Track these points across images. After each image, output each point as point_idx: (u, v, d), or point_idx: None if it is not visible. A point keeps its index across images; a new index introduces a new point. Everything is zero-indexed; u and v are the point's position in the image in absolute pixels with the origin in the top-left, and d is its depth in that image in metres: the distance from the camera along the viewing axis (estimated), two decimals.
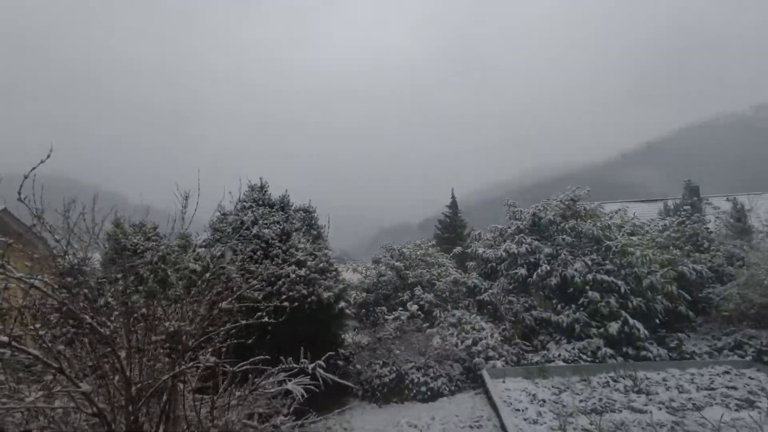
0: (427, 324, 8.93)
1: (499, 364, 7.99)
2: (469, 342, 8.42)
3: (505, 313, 9.80)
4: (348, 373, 7.51)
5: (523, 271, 10.06)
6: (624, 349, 8.24)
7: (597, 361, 8.06)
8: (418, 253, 11.14)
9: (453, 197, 22.12)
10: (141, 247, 7.99)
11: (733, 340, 7.72)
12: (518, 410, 6.10)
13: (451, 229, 21.06)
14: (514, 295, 10.35)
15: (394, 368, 7.09)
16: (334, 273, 7.09)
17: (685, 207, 11.30)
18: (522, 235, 10.85)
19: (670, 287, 8.99)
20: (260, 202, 7.79)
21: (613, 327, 8.26)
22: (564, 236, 10.32)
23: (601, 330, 8.41)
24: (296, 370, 4.65)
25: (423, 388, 6.95)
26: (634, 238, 9.48)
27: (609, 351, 8.14)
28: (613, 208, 12.24)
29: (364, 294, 10.84)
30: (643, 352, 8.03)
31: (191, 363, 3.53)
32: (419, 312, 8.43)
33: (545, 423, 5.61)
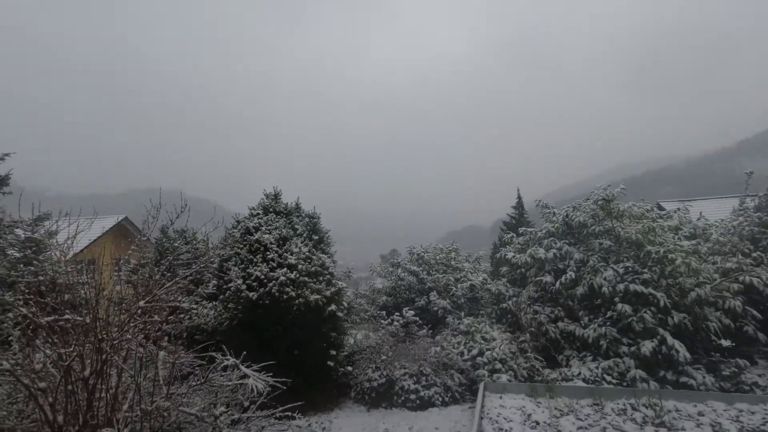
0: (431, 330, 8.68)
1: (504, 378, 7.44)
2: (475, 352, 7.99)
3: (527, 324, 9.07)
4: (348, 374, 7.70)
5: (549, 278, 9.19)
6: (661, 373, 7.07)
7: (626, 384, 7.05)
8: (438, 257, 10.85)
9: (519, 197, 20.73)
10: (179, 249, 9.19)
11: None
12: (502, 430, 5.66)
13: (515, 231, 19.78)
14: (540, 304, 9.51)
15: (385, 373, 7.07)
16: (328, 277, 7.32)
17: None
18: (552, 239, 9.93)
19: (733, 302, 7.43)
20: (270, 210, 8.39)
21: (647, 346, 7.13)
22: (601, 240, 9.20)
23: (633, 349, 7.33)
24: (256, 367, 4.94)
25: (413, 396, 6.82)
26: (685, 243, 8.03)
27: (641, 374, 7.05)
28: (680, 206, 10.53)
29: (384, 297, 10.92)
30: (684, 378, 6.79)
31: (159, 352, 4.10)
32: (415, 318, 8.23)
33: None
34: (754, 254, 7.63)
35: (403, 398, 6.83)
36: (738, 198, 10.94)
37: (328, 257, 7.95)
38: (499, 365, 7.76)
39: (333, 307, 7.06)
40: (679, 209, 10.00)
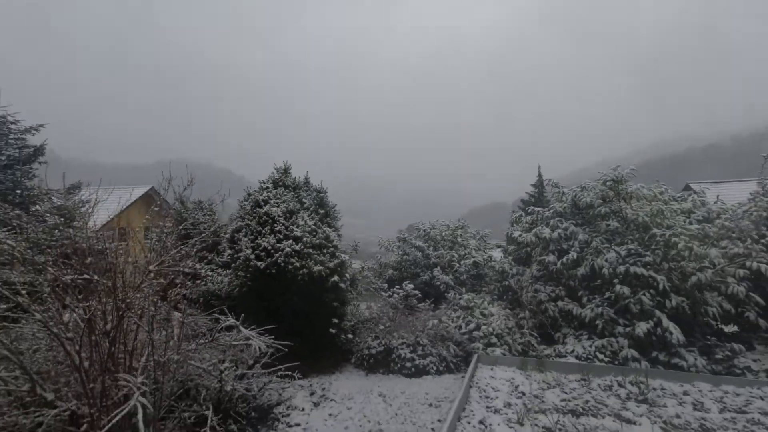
0: (433, 304, 9.01)
1: (498, 351, 7.76)
2: (472, 326, 8.31)
3: (527, 302, 9.27)
4: (350, 342, 8.21)
5: (552, 258, 9.26)
6: (654, 354, 7.20)
7: (617, 362, 7.23)
8: (444, 234, 11.03)
9: (539, 175, 20.15)
10: (199, 221, 9.76)
11: None
12: (488, 398, 6.01)
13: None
14: (542, 283, 9.65)
15: (383, 342, 7.51)
16: (332, 249, 7.68)
17: None
18: (559, 219, 9.90)
19: (736, 288, 7.35)
20: (279, 183, 8.73)
21: (642, 327, 7.23)
22: (608, 222, 9.13)
23: (629, 329, 7.45)
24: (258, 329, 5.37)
25: (408, 364, 7.25)
26: (693, 227, 7.88)
27: (633, 353, 7.21)
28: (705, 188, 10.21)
29: (391, 271, 11.30)
30: (676, 360, 6.91)
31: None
32: (415, 292, 8.55)
33: (506, 414, 5.47)
34: (764, 240, 7.41)
35: (399, 365, 7.27)
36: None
37: (334, 231, 8.29)
38: (494, 339, 8.07)
39: (335, 278, 7.45)
40: (694, 192, 9.69)
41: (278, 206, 7.83)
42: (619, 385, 6.35)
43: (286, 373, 5.88)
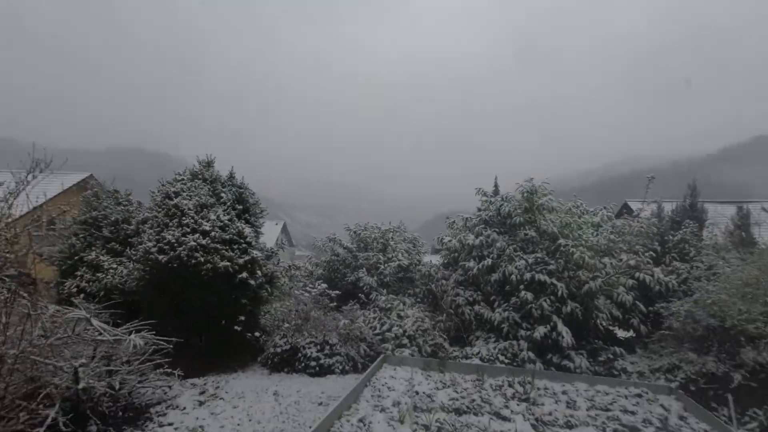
0: (358, 305, 9.05)
1: (407, 352, 7.89)
2: (385, 327, 8.40)
3: (446, 305, 9.51)
4: (259, 340, 8.03)
5: (472, 263, 9.58)
6: (549, 356, 7.61)
7: (516, 364, 7.57)
8: (374, 235, 11.12)
9: (495, 185, 20.94)
10: (109, 210, 9.20)
11: (669, 363, 6.67)
12: (380, 397, 6.08)
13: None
14: (464, 287, 9.95)
15: (290, 341, 7.41)
16: (244, 246, 7.50)
17: (688, 207, 9.61)
18: (484, 226, 10.27)
19: (625, 296, 7.95)
20: (198, 176, 8.43)
21: (540, 331, 7.63)
22: (526, 231, 9.58)
23: (529, 333, 7.82)
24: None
25: (313, 363, 7.19)
26: (592, 239, 8.45)
27: (530, 355, 7.58)
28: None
29: (321, 271, 11.21)
30: (566, 362, 7.34)
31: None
32: (328, 291, 8.55)
33: (391, 413, 5.54)
34: (648, 254, 8.08)
35: (304, 364, 7.20)
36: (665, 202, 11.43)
37: (251, 227, 8.10)
38: (405, 341, 8.20)
39: (245, 275, 7.27)
40: (604, 207, 10.41)
41: (190, 199, 7.54)
42: (509, 385, 6.64)
43: (168, 371, 5.64)
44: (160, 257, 6.84)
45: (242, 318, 7.35)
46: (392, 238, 11.39)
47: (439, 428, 5.24)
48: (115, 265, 8.12)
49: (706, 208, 9.79)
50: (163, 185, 8.07)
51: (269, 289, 8.29)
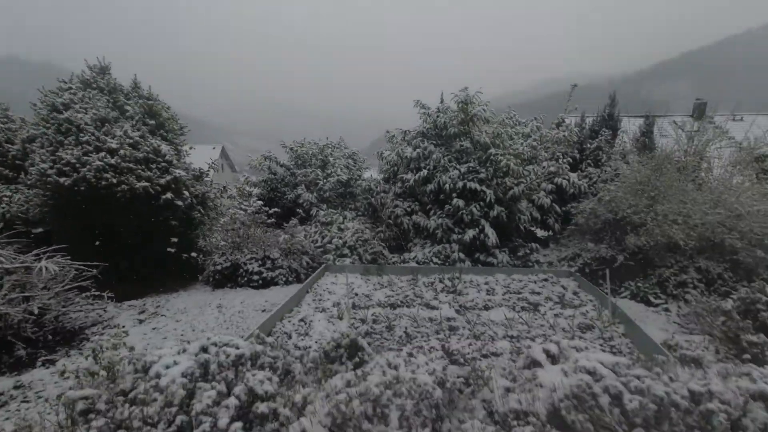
0: (299, 222, 9.07)
1: (347, 261, 8.33)
2: (326, 240, 8.66)
3: (386, 217, 9.90)
4: (197, 261, 7.90)
5: (409, 175, 9.81)
6: (477, 255, 8.49)
7: (448, 263, 8.37)
8: (312, 152, 10.75)
9: (441, 100, 20.46)
10: None
11: (572, 252, 7.83)
12: (321, 300, 6.52)
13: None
14: (402, 199, 10.32)
15: (230, 258, 7.40)
16: (164, 165, 6.86)
17: (605, 117, 10.38)
18: (422, 138, 10.31)
19: (544, 199, 8.82)
20: (92, 85, 7.17)
21: (469, 234, 8.35)
22: (462, 142, 9.79)
23: (461, 236, 8.54)
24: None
25: (255, 277, 7.35)
26: (520, 147, 8.94)
27: (461, 255, 8.39)
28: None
29: (258, 190, 10.85)
30: (491, 259, 8.27)
31: None
32: (264, 207, 8.46)
33: (331, 313, 6.01)
34: (565, 159, 8.80)
35: (246, 279, 7.34)
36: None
37: (170, 145, 7.35)
38: (346, 251, 8.59)
39: (169, 195, 6.79)
40: (535, 119, 10.85)
41: (85, 112, 6.50)
42: (440, 281, 7.42)
43: (96, 294, 5.45)
44: (62, 180, 6.07)
45: (175, 240, 7.06)
46: (331, 154, 11.10)
47: (374, 320, 5.84)
48: (9, 193, 7.11)
49: (621, 118, 10.65)
50: (45, 95, 6.81)
51: (202, 210, 7.92)
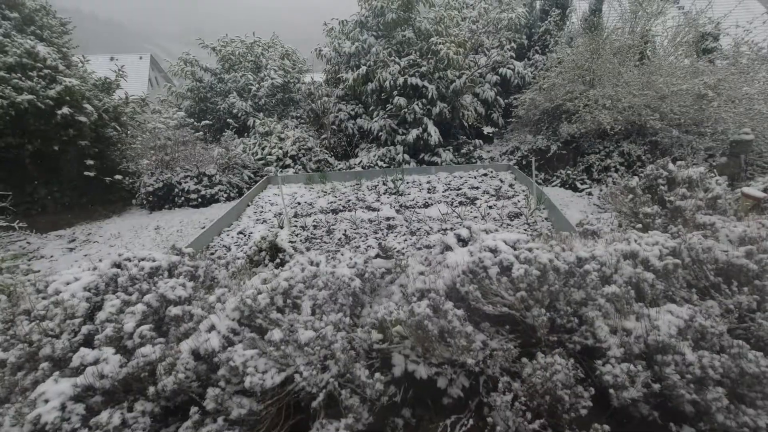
0: (237, 134, 8.43)
1: (291, 171, 8.09)
2: (265, 152, 8.23)
3: (329, 122, 9.40)
4: (125, 184, 7.37)
5: (348, 74, 9.04)
6: (421, 155, 8.47)
7: (394, 166, 8.34)
8: (239, 51, 9.47)
9: None
10: None
11: (512, 146, 7.98)
12: (262, 212, 6.45)
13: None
14: (345, 102, 9.71)
15: (162, 178, 6.95)
16: (47, 72, 5.81)
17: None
18: (359, 29, 9.25)
19: (489, 93, 8.57)
20: None
21: (413, 134, 8.18)
22: (404, 32, 8.90)
23: (404, 137, 8.36)
24: None
25: (194, 196, 7.05)
26: (462, 34, 8.27)
27: (405, 157, 8.34)
28: None
29: (188, 102, 9.74)
30: (435, 158, 8.30)
31: None
32: (189, 121, 7.73)
33: (271, 223, 6.01)
34: (509, 45, 8.33)
35: (183, 198, 7.03)
36: None
37: (50, 46, 6.14)
38: (289, 161, 8.27)
39: (66, 110, 5.92)
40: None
41: None
42: (384, 184, 7.46)
43: (7, 225, 5.04)
44: None
45: (90, 162, 6.42)
46: (263, 54, 9.85)
47: (315, 226, 5.94)
48: None
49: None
50: None
51: (118, 128, 7.09)
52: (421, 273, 3.39)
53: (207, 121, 8.12)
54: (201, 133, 7.83)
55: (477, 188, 6.96)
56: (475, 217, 5.82)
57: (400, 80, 8.01)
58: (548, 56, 8.88)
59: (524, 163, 7.46)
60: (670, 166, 4.98)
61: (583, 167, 6.68)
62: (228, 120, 8.77)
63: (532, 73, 8.60)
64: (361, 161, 8.47)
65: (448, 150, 8.38)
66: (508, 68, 8.49)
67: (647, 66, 6.61)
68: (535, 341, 2.79)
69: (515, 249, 3.16)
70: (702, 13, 7.41)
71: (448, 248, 3.55)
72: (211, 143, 8.06)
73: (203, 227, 6.12)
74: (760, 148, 5.93)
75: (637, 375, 2.14)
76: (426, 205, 6.45)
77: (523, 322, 2.75)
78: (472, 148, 8.40)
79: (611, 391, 1.95)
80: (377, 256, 5.41)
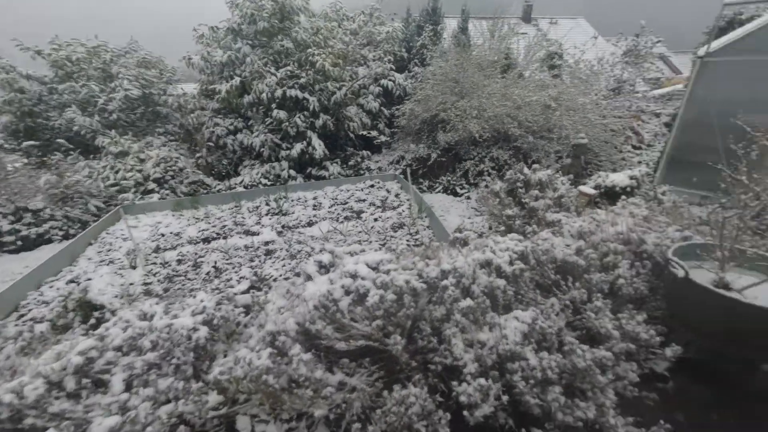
0: (77, 156, 6.93)
1: (156, 197, 6.97)
2: (119, 176, 6.96)
3: (204, 139, 8.42)
4: None
5: (222, 86, 8.23)
6: (308, 170, 8.08)
7: (280, 183, 7.78)
8: (79, 56, 7.93)
9: None
10: None
11: (398, 156, 8.13)
12: (109, 250, 5.34)
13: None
14: (223, 116, 8.84)
15: None
16: None
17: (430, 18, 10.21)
18: (232, 37, 8.52)
19: (373, 104, 8.61)
20: None
21: (297, 148, 7.75)
22: (282, 42, 8.43)
23: (289, 152, 7.88)
24: None
25: (9, 238, 5.53)
26: (338, 46, 8.20)
27: (291, 173, 7.85)
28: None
29: (7, 118, 7.75)
30: (323, 172, 7.99)
31: None
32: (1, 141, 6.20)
33: (120, 263, 4.98)
34: (387, 57, 8.53)
35: None
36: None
37: None
38: (153, 185, 7.11)
39: None
40: (363, 12, 9.99)
41: None
42: (266, 204, 6.87)
43: None
44: None
45: None
46: (113, 61, 8.42)
47: (180, 260, 5.10)
48: None
49: (444, 12, 10.63)
50: None
51: None
52: (281, 309, 2.99)
53: (33, 142, 6.51)
54: (21, 155, 6.22)
55: (364, 200, 6.82)
56: (360, 232, 5.63)
57: (279, 92, 7.53)
58: (426, 69, 9.32)
59: (409, 172, 7.58)
60: (525, 170, 5.44)
61: (461, 173, 7.03)
62: (58, 140, 7.16)
63: (412, 84, 8.90)
64: (243, 180, 7.72)
65: (336, 163, 8.15)
66: (389, 80, 8.64)
67: (504, 80, 7.29)
68: (400, 368, 2.57)
69: (378, 271, 2.94)
70: (544, 35, 8.52)
71: (309, 278, 3.20)
72: (41, 169, 6.49)
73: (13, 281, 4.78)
74: (594, 150, 6.94)
75: (489, 389, 2.09)
76: (310, 224, 6.07)
77: (386, 351, 2.52)
78: (360, 159, 8.30)
79: (465, 412, 1.83)
80: (249, 288, 4.80)
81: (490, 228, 5.25)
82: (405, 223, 5.81)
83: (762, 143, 2.74)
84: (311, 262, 3.38)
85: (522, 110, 6.65)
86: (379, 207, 6.53)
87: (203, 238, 5.69)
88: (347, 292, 2.74)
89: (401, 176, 7.56)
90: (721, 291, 2.00)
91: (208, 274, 4.80)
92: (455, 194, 7.00)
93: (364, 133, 8.74)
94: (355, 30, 9.44)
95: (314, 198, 7.03)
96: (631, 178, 5.09)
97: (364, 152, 8.37)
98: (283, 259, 5.12)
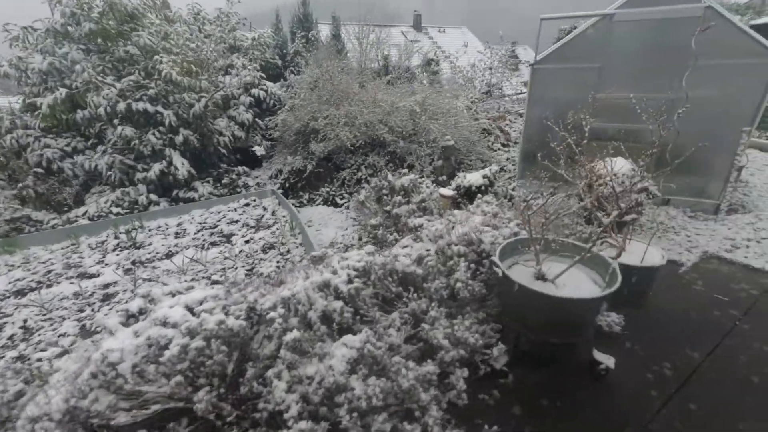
0: None
1: None
2: None
3: (32, 164, 6.90)
4: None
5: (43, 99, 6.83)
6: (174, 192, 7.16)
7: (138, 210, 6.73)
8: None
9: None
10: None
11: (276, 169, 7.71)
12: None
13: None
14: (56, 135, 7.36)
15: None
16: None
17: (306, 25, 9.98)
18: (58, 39, 7.15)
19: (245, 115, 8.02)
20: None
21: (155, 169, 6.80)
22: (127, 47, 7.30)
23: (146, 174, 6.87)
24: None
25: None
26: (191, 52, 7.47)
27: (153, 198, 6.87)
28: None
29: None
30: (191, 193, 7.16)
31: None
32: None
33: None
34: (254, 66, 8.06)
35: None
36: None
37: None
38: None
39: None
40: (218, 16, 9.28)
41: None
42: (116, 237, 5.85)
43: None
44: None
45: None
46: None
47: None
48: None
49: (316, 18, 10.49)
50: None
51: None
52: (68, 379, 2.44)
53: None
54: None
55: (237, 221, 6.26)
56: (226, 258, 5.09)
57: (122, 105, 6.49)
58: (302, 76, 9.03)
59: (287, 185, 7.22)
60: (390, 176, 5.49)
61: (338, 183, 6.90)
62: None
63: (287, 93, 8.53)
64: (86, 211, 6.49)
65: (207, 182, 7.37)
66: (261, 89, 8.13)
67: (375, 86, 7.38)
68: (221, 424, 2.22)
69: (195, 313, 2.55)
70: (413, 43, 8.89)
71: (111, 332, 2.64)
72: None
73: None
74: (462, 151, 7.42)
75: None
76: (169, 255, 5.31)
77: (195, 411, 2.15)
78: (235, 176, 7.63)
79: None
80: (63, 353, 4.02)
81: (360, 239, 5.19)
82: (277, 243, 5.44)
83: (568, 141, 3.04)
84: (115, 312, 2.84)
85: (392, 116, 6.78)
86: (252, 227, 6.04)
87: (17, 290, 4.56)
88: (150, 345, 2.31)
89: (279, 191, 7.16)
90: (534, 286, 2.09)
91: (12, 337, 3.81)
92: (336, 205, 6.85)
93: (251, 147, 8.10)
94: (218, 36, 8.70)
95: (178, 224, 6.22)
96: (484, 177, 5.46)
97: (240, 168, 7.73)
98: (126, 302, 4.34)
